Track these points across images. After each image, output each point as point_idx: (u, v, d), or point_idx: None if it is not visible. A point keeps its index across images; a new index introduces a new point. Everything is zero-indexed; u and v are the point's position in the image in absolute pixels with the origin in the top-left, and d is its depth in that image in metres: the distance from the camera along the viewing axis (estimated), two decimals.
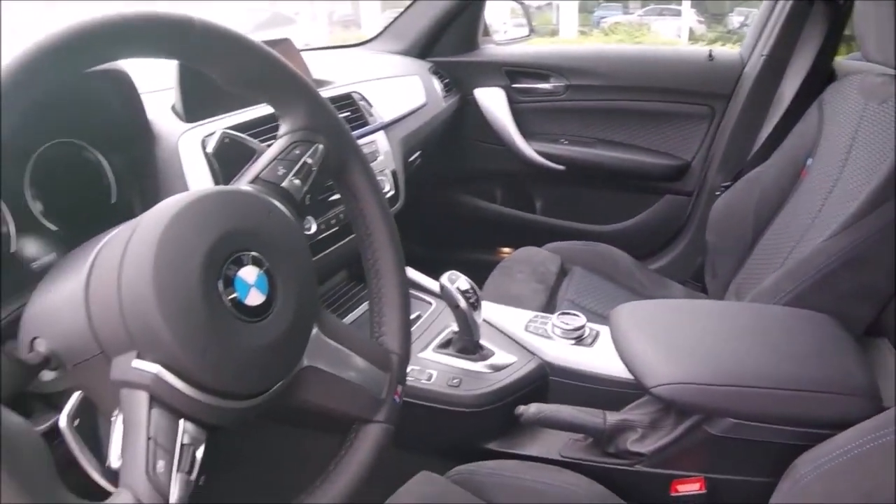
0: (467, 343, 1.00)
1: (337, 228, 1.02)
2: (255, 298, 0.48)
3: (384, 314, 0.66)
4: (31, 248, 0.72)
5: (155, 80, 0.94)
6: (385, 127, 1.18)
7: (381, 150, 1.15)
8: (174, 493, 0.42)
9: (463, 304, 0.94)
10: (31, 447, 0.39)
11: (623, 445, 0.86)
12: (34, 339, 0.50)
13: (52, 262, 0.72)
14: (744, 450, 0.78)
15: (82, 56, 0.45)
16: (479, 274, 1.39)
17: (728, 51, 1.63)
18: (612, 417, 0.86)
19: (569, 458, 0.91)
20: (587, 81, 1.60)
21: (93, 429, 0.47)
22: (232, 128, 0.91)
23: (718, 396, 0.72)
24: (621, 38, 5.38)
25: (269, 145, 0.61)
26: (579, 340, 1.01)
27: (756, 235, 1.16)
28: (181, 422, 0.44)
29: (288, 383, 0.52)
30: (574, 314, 1.04)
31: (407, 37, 1.63)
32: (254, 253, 0.48)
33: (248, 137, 0.63)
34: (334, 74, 1.24)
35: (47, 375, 0.49)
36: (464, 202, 1.90)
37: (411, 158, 1.36)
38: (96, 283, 0.47)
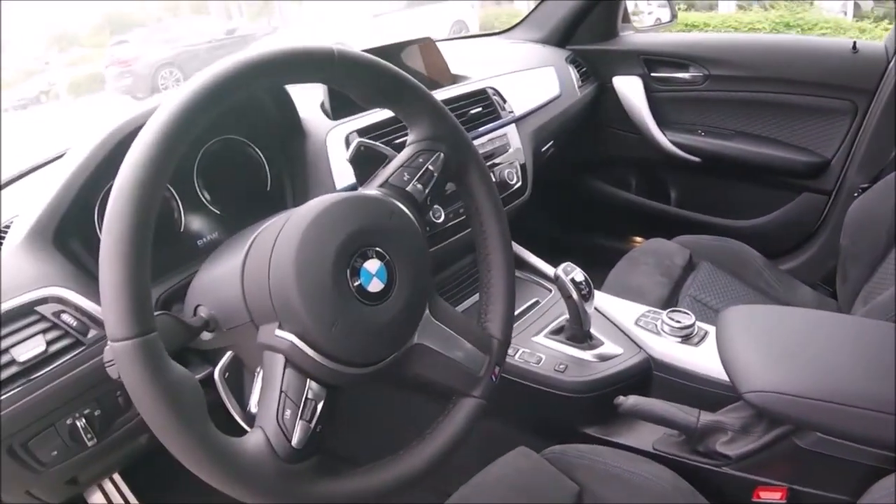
0: (577, 332, 1.05)
1: (463, 218, 1.10)
2: (375, 286, 0.58)
3: (491, 303, 0.74)
4: (198, 228, 0.89)
5: None
6: (516, 121, 1.24)
7: (511, 143, 1.22)
8: (296, 435, 0.54)
9: (575, 295, 0.99)
10: (191, 390, 0.51)
11: (713, 446, 0.88)
12: (198, 306, 0.65)
13: (215, 240, 0.89)
14: (828, 465, 0.78)
15: (254, 81, 0.58)
16: (609, 261, 1.43)
17: (873, 43, 1.48)
18: (706, 417, 0.88)
19: (660, 451, 0.95)
20: (727, 72, 1.54)
21: (238, 381, 0.59)
22: (370, 126, 1.04)
23: (808, 409, 0.71)
24: (781, 14, 4.86)
25: (402, 142, 0.71)
26: (686, 339, 1.02)
27: (890, 242, 1.08)
28: (308, 381, 0.56)
29: (399, 356, 0.63)
30: (685, 312, 1.05)
31: (546, 26, 1.66)
32: (377, 248, 0.59)
33: (380, 145, 0.73)
34: (472, 68, 1.32)
35: (206, 336, 0.63)
36: (598, 189, 1.92)
37: (544, 148, 1.41)
38: (251, 265, 0.60)
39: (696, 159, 1.62)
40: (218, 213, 0.90)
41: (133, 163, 0.51)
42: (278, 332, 0.56)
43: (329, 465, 0.58)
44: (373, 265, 0.59)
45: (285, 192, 0.97)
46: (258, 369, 0.59)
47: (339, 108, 1.05)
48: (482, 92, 1.20)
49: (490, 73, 1.31)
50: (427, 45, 1.21)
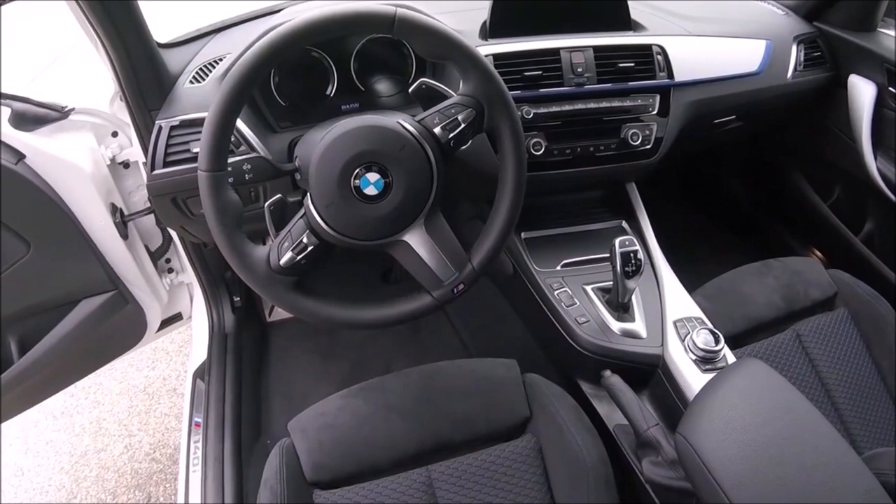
0: (614, 299, 1.13)
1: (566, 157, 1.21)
2: (370, 191, 0.80)
3: (484, 237, 0.89)
4: (344, 96, 1.13)
5: None
6: (673, 86, 1.22)
7: (657, 105, 1.21)
8: (283, 258, 0.81)
9: (618, 268, 1.05)
10: (232, 210, 0.80)
11: (643, 456, 0.95)
12: (297, 156, 0.92)
13: (355, 108, 1.13)
14: None
15: (324, 34, 0.78)
16: (768, 254, 1.35)
17: None
18: (654, 432, 0.93)
19: (615, 433, 1.05)
20: None
21: (280, 215, 0.85)
22: (509, 52, 1.14)
23: (705, 486, 0.68)
24: None
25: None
26: (703, 361, 1.03)
27: None
28: (307, 230, 0.81)
29: (383, 244, 0.85)
30: (719, 336, 1.03)
31: None
32: (381, 165, 0.79)
33: (438, 85, 0.87)
34: (662, 21, 1.29)
35: (298, 176, 0.91)
36: (793, 181, 1.75)
37: (719, 120, 1.35)
38: (320, 144, 0.83)
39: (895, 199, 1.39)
40: (363, 89, 1.14)
41: (234, 70, 0.77)
42: (308, 196, 0.82)
43: (302, 287, 0.84)
44: (372, 177, 0.80)
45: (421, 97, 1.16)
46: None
47: (497, 29, 1.18)
48: (646, 48, 1.19)
49: (675, 30, 1.27)
50: None
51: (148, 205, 1.38)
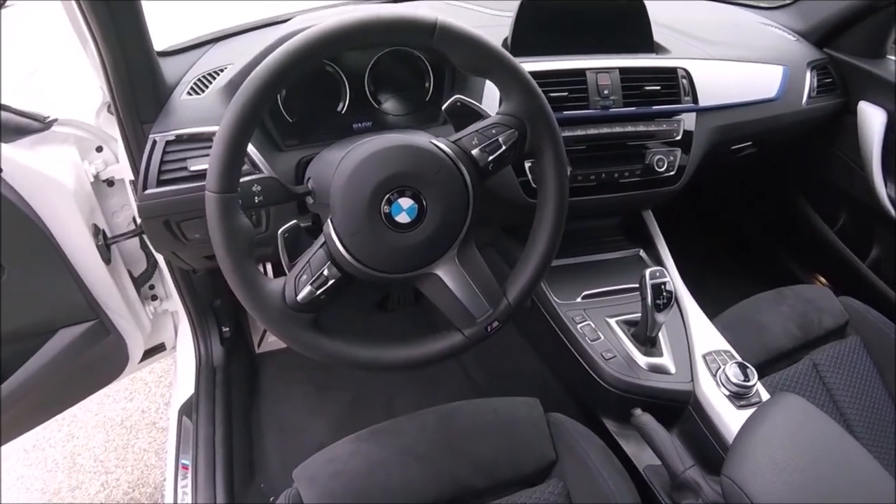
0: (641, 333, 1.07)
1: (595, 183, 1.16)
2: (402, 218, 0.72)
3: (520, 271, 0.82)
4: (356, 113, 1.05)
5: None
6: (698, 111, 1.18)
7: (681, 130, 1.17)
8: (302, 293, 0.72)
9: (649, 301, 1.00)
10: (243, 237, 0.70)
11: (680, 498, 0.89)
12: (310, 178, 0.83)
13: (368, 127, 1.06)
14: None
15: (360, 40, 0.70)
16: (774, 281, 1.34)
17: None
18: (692, 474, 0.87)
19: (646, 476, 0.98)
20: None
21: (299, 243, 0.76)
22: (534, 72, 1.07)
23: None
24: None
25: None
26: (736, 397, 0.99)
27: None
28: (328, 262, 0.72)
29: (412, 277, 0.77)
30: (751, 370, 1.00)
31: (811, 19, 1.45)
32: (416, 190, 0.72)
33: (475, 104, 0.79)
34: (685, 44, 1.26)
35: (310, 200, 0.82)
36: (798, 207, 1.74)
37: (736, 146, 1.33)
38: (341, 165, 0.75)
39: None
40: (377, 107, 1.06)
41: (254, 77, 0.67)
42: (329, 221, 0.73)
43: (321, 327, 0.75)
44: (405, 202, 0.72)
45: (440, 106, 1.09)
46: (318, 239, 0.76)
47: (519, 47, 1.12)
48: (671, 71, 1.15)
49: (699, 53, 1.24)
50: (634, 6, 1.17)
51: (133, 226, 1.28)
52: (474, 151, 0.76)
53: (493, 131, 0.76)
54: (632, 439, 1.05)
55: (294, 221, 0.76)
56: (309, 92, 1.04)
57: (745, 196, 1.94)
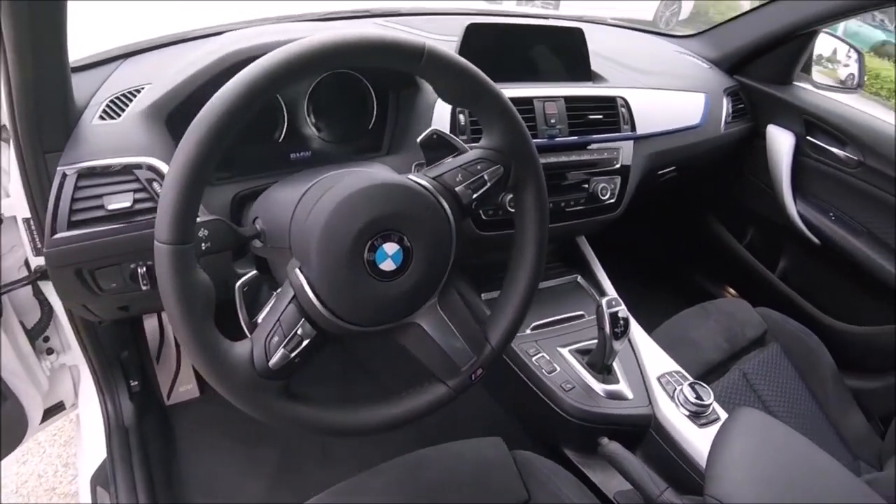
0: (598, 361, 1.07)
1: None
2: (387, 266, 0.65)
3: (500, 312, 0.77)
4: (295, 142, 0.98)
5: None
6: (635, 139, 1.21)
7: (620, 158, 1.19)
8: (274, 358, 0.63)
9: (607, 330, 1.00)
10: (203, 294, 0.60)
11: None
12: (257, 217, 0.74)
13: (306, 158, 0.98)
14: None
15: (344, 61, 0.62)
16: (688, 298, 1.38)
17: None
18: (669, 497, 0.88)
19: (616, 502, 0.97)
20: (882, 167, 1.36)
21: (257, 294, 0.67)
22: None
23: None
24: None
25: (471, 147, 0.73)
26: (695, 416, 1.01)
27: None
28: (303, 319, 0.64)
29: (392, 328, 0.70)
30: (707, 390, 1.03)
31: (724, 48, 1.54)
32: (402, 234, 0.64)
33: (452, 137, 0.74)
34: (618, 72, 1.28)
35: (257, 243, 0.73)
36: (710, 226, 1.84)
37: (661, 171, 1.36)
38: (302, 205, 0.67)
39: (817, 241, 1.50)
40: (317, 135, 0.99)
41: (219, 99, 0.57)
42: (297, 271, 0.64)
43: (293, 393, 0.67)
44: (391, 248, 0.64)
45: (384, 134, 1.03)
46: (278, 290, 0.67)
47: None
48: (611, 100, 1.17)
49: (632, 81, 1.27)
50: (575, 34, 1.18)
51: (26, 271, 1.11)
52: (458, 188, 0.70)
53: (478, 167, 0.71)
54: (597, 468, 1.04)
55: (253, 272, 0.66)
56: None
57: (661, 216, 2.02)
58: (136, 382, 1.28)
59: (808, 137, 1.47)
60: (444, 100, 0.72)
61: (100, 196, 0.80)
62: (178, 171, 0.56)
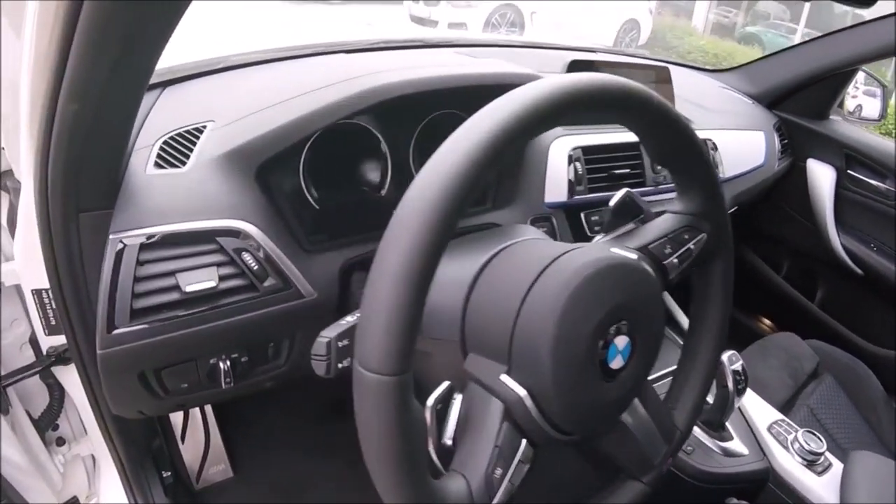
0: (715, 419, 1.01)
1: None
2: (616, 363, 0.53)
3: (684, 393, 0.69)
4: (396, 196, 0.84)
5: None
6: (724, 182, 1.17)
7: None
8: (498, 496, 0.49)
9: (731, 387, 0.94)
10: (420, 431, 0.47)
11: None
12: None
13: None
14: None
15: (568, 112, 0.49)
16: (732, 331, 1.36)
17: None
18: None
19: None
20: None
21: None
22: (596, 146, 0.97)
23: None
24: None
25: (657, 213, 0.64)
26: (811, 464, 0.98)
27: None
28: (523, 441, 0.51)
29: (602, 432, 0.59)
30: (817, 437, 1.00)
31: (764, 83, 1.54)
32: (630, 324, 0.53)
33: (642, 201, 0.65)
34: (695, 112, 1.24)
35: None
36: (745, 258, 1.84)
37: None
38: (484, 287, 0.55)
39: (860, 272, 1.52)
40: None
41: (457, 155, 0.44)
42: (505, 379, 0.51)
43: None
44: (621, 342, 0.53)
45: (489, 189, 0.93)
46: (455, 395, 0.53)
47: None
48: (703, 143, 1.12)
49: (705, 121, 1.23)
50: (662, 73, 1.13)
51: (29, 350, 0.97)
52: (666, 262, 0.61)
53: (686, 237, 0.62)
54: None
55: (447, 384, 0.52)
56: (334, 165, 0.78)
57: None
58: (169, 473, 1.09)
59: (849, 171, 1.49)
60: (649, 154, 0.63)
61: (171, 274, 0.62)
62: (402, 269, 0.41)
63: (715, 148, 1.14)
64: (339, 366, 0.52)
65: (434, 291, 0.52)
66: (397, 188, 0.84)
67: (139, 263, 0.61)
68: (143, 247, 0.61)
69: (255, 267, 0.66)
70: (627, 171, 0.98)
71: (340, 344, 0.52)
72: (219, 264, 0.64)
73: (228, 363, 0.68)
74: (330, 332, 0.52)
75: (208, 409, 1.16)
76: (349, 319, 0.54)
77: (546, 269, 0.53)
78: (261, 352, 0.72)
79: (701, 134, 1.11)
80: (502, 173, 0.93)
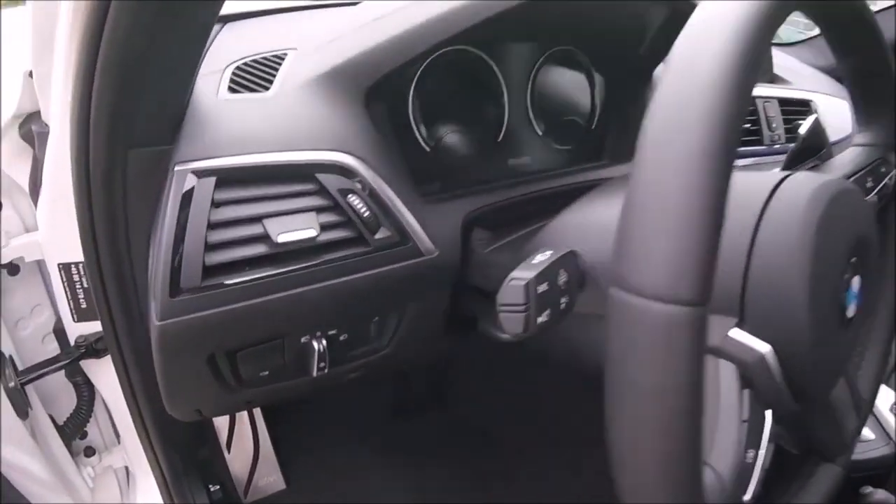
0: None
1: None
2: (851, 310, 0.43)
3: (865, 358, 0.59)
4: (514, 143, 0.72)
5: None
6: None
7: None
8: (751, 488, 0.37)
9: None
10: None
11: None
12: (571, 251, 0.46)
13: (523, 165, 0.73)
14: None
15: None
16: None
17: None
18: None
19: None
20: None
21: None
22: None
23: None
24: None
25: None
26: None
27: None
28: (767, 413, 0.39)
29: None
30: None
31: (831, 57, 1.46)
32: (860, 261, 0.43)
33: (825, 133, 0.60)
34: (789, 73, 1.15)
35: (581, 299, 0.46)
36: None
37: None
38: (799, 226, 0.44)
39: None
40: (539, 133, 0.74)
41: (732, 42, 0.30)
42: (737, 334, 0.39)
43: None
44: (856, 283, 0.43)
45: (606, 136, 0.80)
46: None
47: None
48: (805, 104, 1.02)
49: (802, 84, 1.13)
50: None
51: (55, 343, 0.84)
52: (868, 196, 0.54)
53: (883, 170, 0.56)
54: None
55: None
56: (444, 102, 0.66)
57: None
58: (217, 487, 0.95)
59: None
60: (840, 70, 0.54)
61: (257, 219, 0.48)
62: (706, 144, 0.29)
63: (816, 112, 1.04)
64: (539, 320, 0.40)
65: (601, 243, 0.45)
66: (511, 133, 0.71)
67: (214, 205, 0.46)
68: (219, 183, 0.46)
69: (366, 213, 0.51)
70: (747, 125, 0.88)
71: (540, 289, 0.40)
72: (319, 209, 0.50)
73: (325, 342, 0.53)
74: (524, 273, 0.40)
75: (257, 410, 1.02)
76: (540, 258, 0.42)
77: (772, 198, 0.42)
78: (363, 328, 0.58)
79: (805, 95, 1.02)
80: (623, 119, 0.81)
